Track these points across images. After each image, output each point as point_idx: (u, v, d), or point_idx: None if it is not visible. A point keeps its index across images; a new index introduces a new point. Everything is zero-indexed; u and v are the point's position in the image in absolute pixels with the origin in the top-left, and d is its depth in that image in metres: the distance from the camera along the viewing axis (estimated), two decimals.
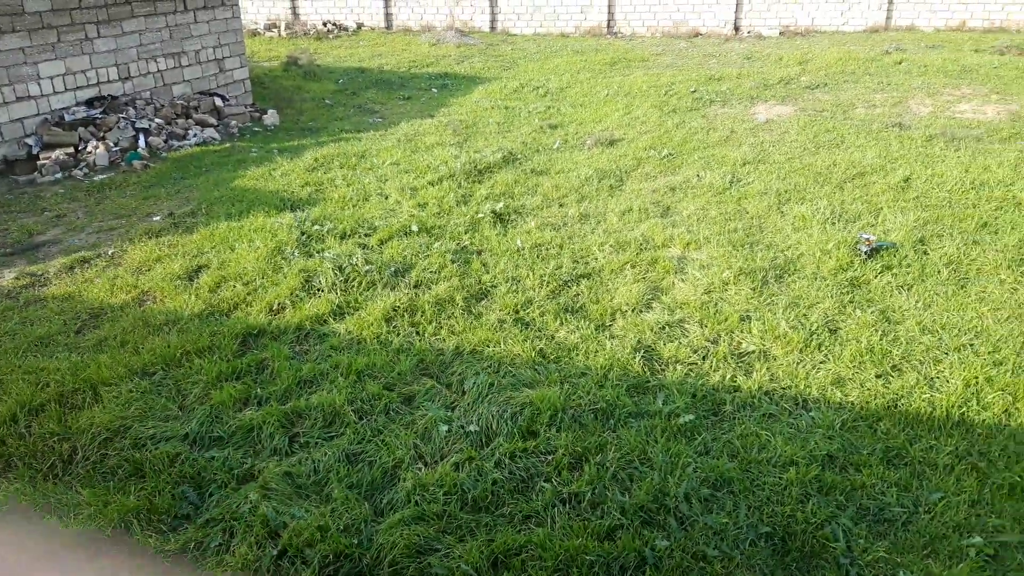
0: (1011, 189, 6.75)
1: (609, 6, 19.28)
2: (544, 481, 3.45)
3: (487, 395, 4.06)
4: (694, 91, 11.56)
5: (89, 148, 8.91)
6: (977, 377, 4.10)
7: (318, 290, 5.29)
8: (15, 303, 5.36)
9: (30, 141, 8.96)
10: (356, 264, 5.52)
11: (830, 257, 5.54)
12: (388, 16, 21.02)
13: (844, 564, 3.00)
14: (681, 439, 3.71)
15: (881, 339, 4.51)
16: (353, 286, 5.32)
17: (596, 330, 4.73)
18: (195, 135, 10.09)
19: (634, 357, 4.39)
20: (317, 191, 7.54)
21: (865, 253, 5.55)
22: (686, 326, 4.76)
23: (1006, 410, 3.87)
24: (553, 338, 4.67)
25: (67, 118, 9.27)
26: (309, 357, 4.53)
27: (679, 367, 4.32)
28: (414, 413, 3.97)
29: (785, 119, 9.77)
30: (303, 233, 6.25)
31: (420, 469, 3.56)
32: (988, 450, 3.61)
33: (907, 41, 15.83)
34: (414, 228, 6.36)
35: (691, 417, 3.84)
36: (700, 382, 4.17)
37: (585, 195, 7.20)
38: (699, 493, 3.35)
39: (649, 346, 4.55)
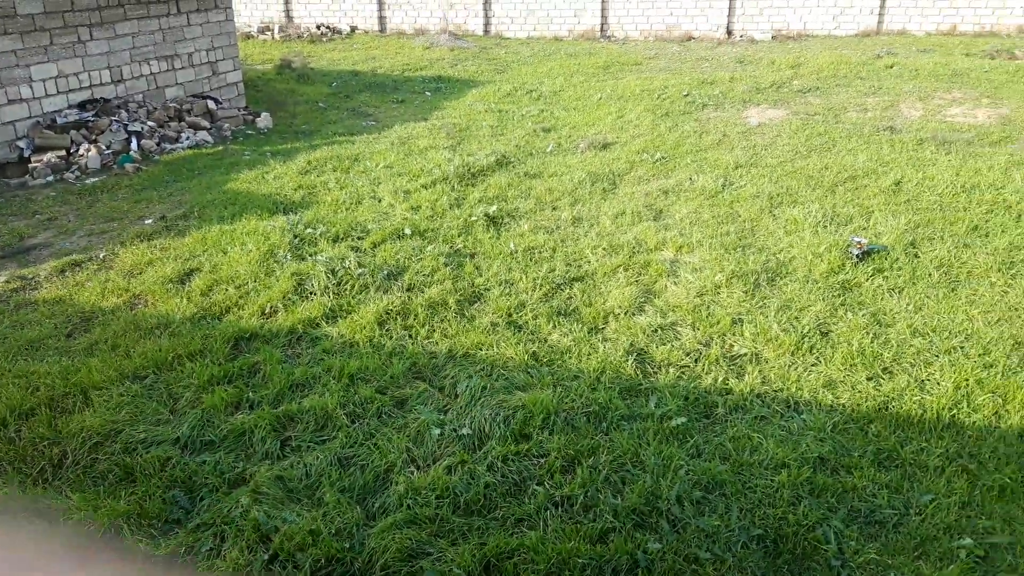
0: (1001, 192, 6.79)
1: (602, 10, 19.35)
2: (537, 484, 3.45)
3: (480, 398, 4.06)
4: (687, 95, 11.60)
5: (81, 151, 8.88)
6: (967, 379, 4.12)
7: (310, 293, 5.28)
8: (5, 307, 5.34)
9: (21, 144, 8.92)
10: (349, 267, 5.51)
11: (822, 260, 5.56)
12: (382, 19, 21.02)
13: (835, 566, 3.01)
14: (673, 442, 3.72)
15: (872, 342, 4.53)
16: (346, 289, 5.31)
17: (589, 333, 4.74)
18: (188, 138, 10.06)
19: (626, 360, 4.40)
20: (310, 194, 7.53)
21: (856, 256, 5.57)
22: (678, 329, 4.77)
23: (996, 412, 3.89)
24: (546, 341, 4.67)
25: (59, 121, 9.23)
26: (301, 360, 4.53)
27: (671, 370, 4.33)
28: (406, 416, 3.97)
29: (777, 123, 9.81)
30: (296, 236, 6.23)
31: (412, 473, 3.55)
32: (978, 452, 3.63)
33: (898, 45, 15.93)
34: (407, 231, 6.35)
35: (683, 420, 3.85)
36: (692, 385, 4.18)
37: (578, 198, 7.21)
38: (691, 495, 3.36)
39: (641, 349, 4.56)
